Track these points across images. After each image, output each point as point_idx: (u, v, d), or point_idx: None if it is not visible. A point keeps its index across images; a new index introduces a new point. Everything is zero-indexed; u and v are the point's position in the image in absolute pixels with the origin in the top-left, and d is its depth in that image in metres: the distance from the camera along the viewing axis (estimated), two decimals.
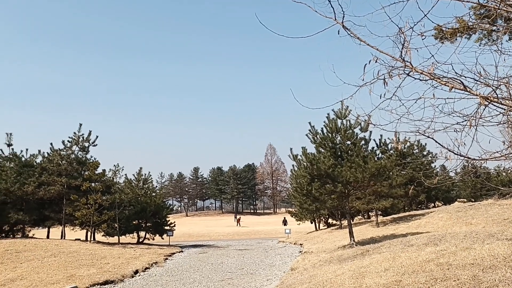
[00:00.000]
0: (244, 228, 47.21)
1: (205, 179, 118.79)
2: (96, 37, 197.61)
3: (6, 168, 25.35)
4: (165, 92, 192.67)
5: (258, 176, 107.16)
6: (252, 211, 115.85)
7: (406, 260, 8.12)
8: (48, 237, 26.28)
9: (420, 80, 4.22)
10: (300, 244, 22.99)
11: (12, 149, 26.49)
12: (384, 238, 16.09)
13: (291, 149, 17.13)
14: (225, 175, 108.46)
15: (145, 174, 29.66)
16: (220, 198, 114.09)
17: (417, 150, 32.73)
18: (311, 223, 33.83)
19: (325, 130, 16.98)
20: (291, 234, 29.81)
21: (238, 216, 63.28)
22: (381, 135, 28.67)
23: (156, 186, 38.98)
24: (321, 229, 31.86)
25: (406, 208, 33.13)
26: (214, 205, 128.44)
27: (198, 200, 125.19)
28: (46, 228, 27.51)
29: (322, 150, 16.72)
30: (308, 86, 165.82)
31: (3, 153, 26.41)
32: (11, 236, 25.60)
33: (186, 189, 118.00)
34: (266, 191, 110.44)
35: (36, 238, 24.38)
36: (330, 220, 32.68)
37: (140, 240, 27.66)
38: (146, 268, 15.50)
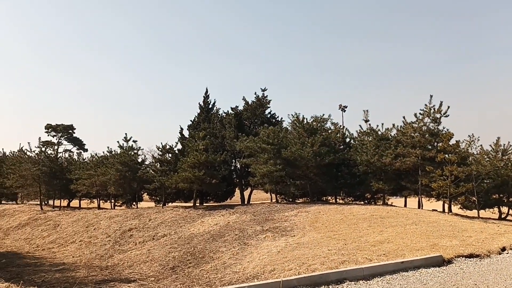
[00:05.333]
0: None
1: None
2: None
3: (366, 141, 28.37)
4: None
5: None
6: None
7: None
8: (405, 206, 27.80)
9: None
10: None
11: (369, 124, 29.31)
12: None
13: None
14: None
15: (504, 145, 26.72)
16: None
17: None
18: None
19: None
20: None
21: None
22: None
23: None
24: None
25: None
26: None
27: None
28: (403, 198, 29.12)
29: None
30: None
31: (362, 128, 29.63)
32: (373, 203, 28.58)
33: None
34: None
35: (395, 206, 26.22)
36: None
37: (503, 216, 25.26)
38: None
